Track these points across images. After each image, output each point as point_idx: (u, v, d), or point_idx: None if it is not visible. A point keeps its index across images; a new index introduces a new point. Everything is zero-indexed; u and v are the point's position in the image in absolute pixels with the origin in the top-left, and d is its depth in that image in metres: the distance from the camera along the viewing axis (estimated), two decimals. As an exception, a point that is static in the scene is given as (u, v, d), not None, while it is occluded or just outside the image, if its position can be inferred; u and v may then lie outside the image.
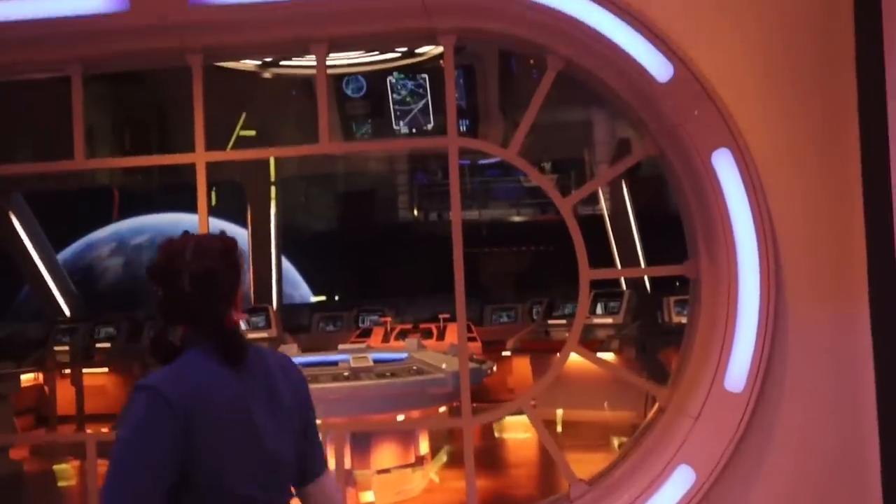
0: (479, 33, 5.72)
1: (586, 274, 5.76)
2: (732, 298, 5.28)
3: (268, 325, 11.46)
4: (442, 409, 8.03)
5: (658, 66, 5.20)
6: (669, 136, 5.39)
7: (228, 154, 6.50)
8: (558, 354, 10.18)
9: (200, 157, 6.00)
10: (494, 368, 8.51)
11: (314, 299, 18.63)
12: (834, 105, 5.19)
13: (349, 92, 10.75)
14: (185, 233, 2.73)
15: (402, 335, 10.92)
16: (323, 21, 5.63)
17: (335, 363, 8.23)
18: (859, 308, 5.13)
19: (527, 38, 5.56)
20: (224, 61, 6.07)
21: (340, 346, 9.21)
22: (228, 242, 2.72)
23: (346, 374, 7.54)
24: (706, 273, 5.51)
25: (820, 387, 5.21)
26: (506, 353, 11.26)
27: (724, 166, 5.18)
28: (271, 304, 12.93)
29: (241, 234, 15.83)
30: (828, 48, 5.19)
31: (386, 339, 10.95)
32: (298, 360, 8.81)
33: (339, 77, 10.55)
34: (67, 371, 11.35)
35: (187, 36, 5.76)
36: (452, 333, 11.51)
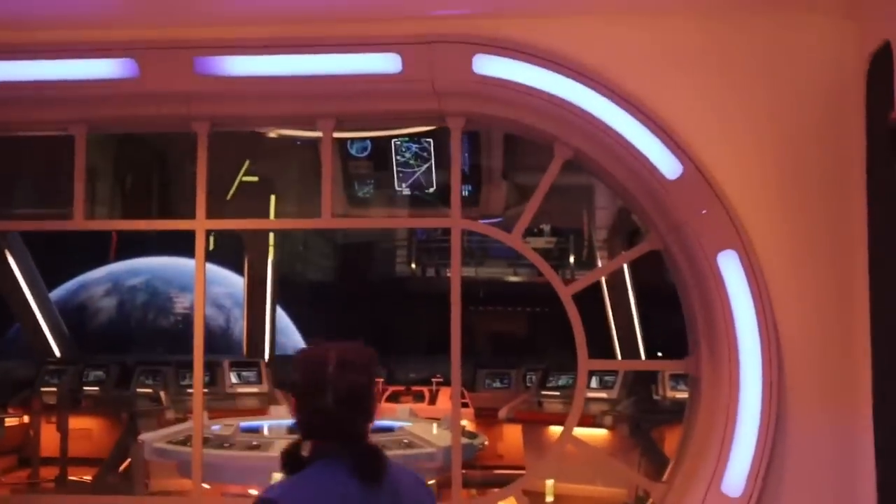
0: (488, 118, 5.69)
1: (585, 364, 5.69)
2: (733, 400, 5.20)
3: (259, 381, 11.34)
4: (431, 481, 7.92)
5: (667, 163, 5.16)
6: (675, 233, 5.34)
7: (229, 223, 6.44)
8: (550, 428, 10.12)
9: (201, 225, 5.95)
10: (486, 443, 8.40)
11: (306, 350, 18.49)
12: (842, 210, 5.14)
13: (353, 151, 10.72)
14: (321, 342, 2.63)
15: (394, 397, 10.82)
16: (330, 99, 5.60)
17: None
18: (863, 415, 5.04)
19: (535, 126, 5.54)
20: (230, 129, 6.02)
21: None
22: (370, 354, 2.63)
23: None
24: (707, 371, 5.43)
25: (819, 496, 5.12)
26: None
27: (730, 267, 5.13)
28: (263, 355, 12.79)
29: (238, 282, 15.75)
30: (838, 152, 5.16)
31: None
32: (289, 423, 8.71)
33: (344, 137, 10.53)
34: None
35: (194, 104, 5.74)
36: (445, 398, 11.40)
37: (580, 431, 5.81)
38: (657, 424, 9.86)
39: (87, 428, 11.74)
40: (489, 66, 5.28)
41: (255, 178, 13.51)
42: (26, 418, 11.49)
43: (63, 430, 10.73)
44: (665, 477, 5.83)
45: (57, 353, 13.29)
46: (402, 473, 2.67)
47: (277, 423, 8.80)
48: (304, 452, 2.56)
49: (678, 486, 5.47)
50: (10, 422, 10.98)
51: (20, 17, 5.45)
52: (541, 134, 5.62)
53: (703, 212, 5.15)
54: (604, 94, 5.16)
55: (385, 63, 5.34)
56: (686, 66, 5.24)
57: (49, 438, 10.88)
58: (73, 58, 5.56)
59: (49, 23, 5.48)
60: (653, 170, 5.18)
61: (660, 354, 12.66)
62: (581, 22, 5.27)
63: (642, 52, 5.27)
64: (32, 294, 13.11)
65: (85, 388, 12.04)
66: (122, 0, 5.10)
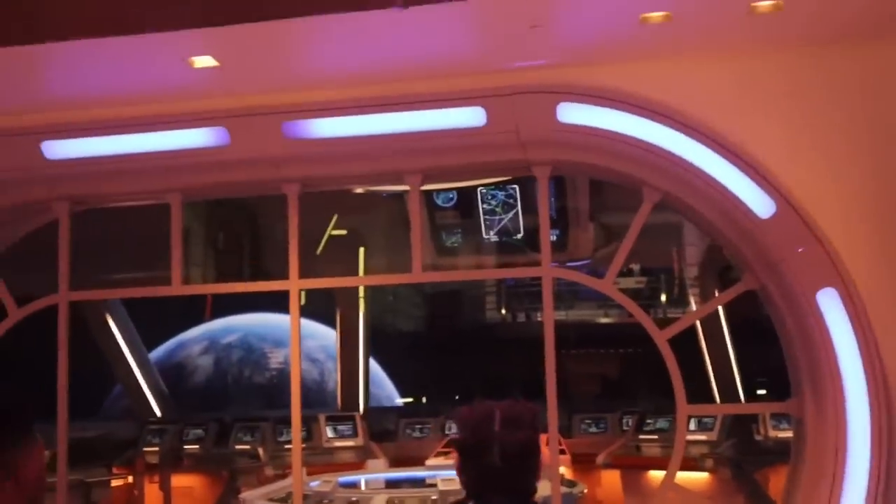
0: (574, 165, 5.70)
1: (684, 410, 5.60)
2: (841, 441, 5.04)
3: (354, 434, 11.39)
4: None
5: (759, 202, 5.08)
6: (771, 273, 5.24)
7: (322, 282, 6.52)
8: (650, 473, 9.93)
9: (294, 285, 6.05)
10: (585, 491, 8.28)
11: (400, 401, 18.57)
12: (945, 241, 4.99)
13: (439, 202, 10.79)
14: (482, 401, 2.62)
15: (490, 446, 10.75)
16: (417, 154, 5.67)
17: (423, 480, 8.12)
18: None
19: (622, 171, 5.51)
20: (320, 189, 6.13)
21: (428, 462, 9.07)
22: (534, 411, 2.64)
23: (433, 497, 7.41)
24: (812, 412, 5.29)
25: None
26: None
27: (831, 305, 5.00)
28: (358, 408, 12.85)
29: (330, 335, 15.90)
30: (937, 183, 5.01)
31: (473, 450, 10.79)
32: (386, 476, 8.74)
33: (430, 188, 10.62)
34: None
35: (284, 167, 5.86)
36: (542, 445, 11.28)
37: (680, 476, 5.69)
38: (760, 466, 9.59)
39: (188, 486, 11.91)
40: (573, 113, 5.28)
41: (344, 232, 13.68)
42: (130, 478, 11.72)
43: (166, 489, 10.91)
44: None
45: (157, 412, 13.56)
46: None
47: (375, 476, 8.83)
48: None
49: (789, 532, 5.31)
50: (116, 482, 11.21)
51: (116, 94, 5.64)
52: (628, 178, 5.59)
53: (800, 250, 5.05)
54: (691, 136, 5.11)
55: (470, 117, 5.39)
56: (773, 104, 5.17)
57: (152, 498, 11.08)
58: (168, 129, 5.75)
59: (143, 98, 5.67)
60: (745, 209, 5.10)
61: (760, 392, 12.37)
62: (663, 65, 5.24)
63: (727, 92, 5.22)
64: (133, 356, 13.43)
65: (185, 446, 12.24)
66: (212, 71, 5.23)
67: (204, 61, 5.10)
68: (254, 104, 5.60)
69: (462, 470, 2.57)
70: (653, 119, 5.21)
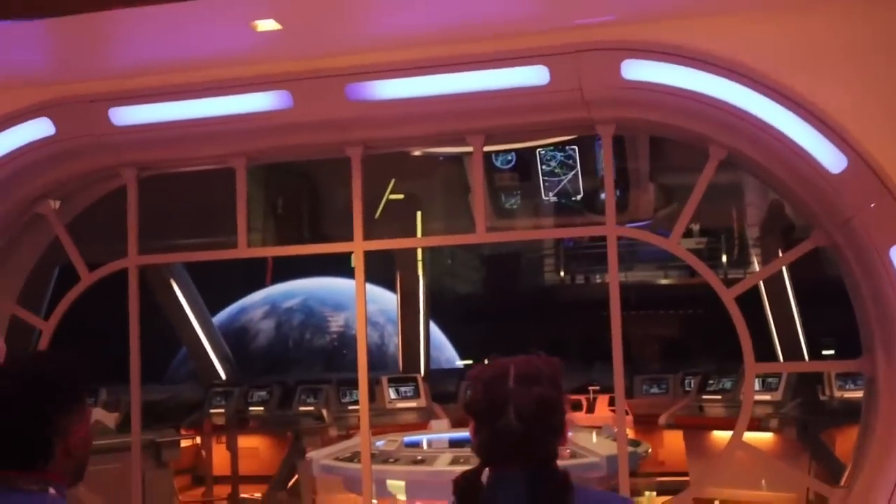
0: (638, 123, 5.64)
1: (752, 368, 5.56)
2: (914, 400, 4.98)
3: (416, 395, 11.47)
4: (596, 491, 7.84)
5: (830, 157, 4.99)
6: (842, 229, 5.15)
7: (386, 243, 6.58)
8: (713, 433, 9.88)
9: (359, 246, 6.09)
10: (650, 451, 8.26)
11: (460, 363, 18.66)
12: None
13: (498, 164, 10.77)
14: (496, 357, 2.34)
15: (551, 407, 10.76)
16: (480, 115, 5.65)
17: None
18: None
19: (688, 128, 5.45)
20: (382, 151, 6.14)
21: (491, 423, 9.10)
22: (555, 363, 2.32)
23: (498, 456, 7.44)
24: (884, 372, 5.21)
25: None
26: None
27: (904, 261, 4.91)
28: (419, 370, 12.95)
29: (389, 299, 16.01)
30: None
31: (535, 411, 10.81)
32: (449, 436, 8.80)
33: (489, 150, 10.60)
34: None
35: (347, 130, 5.88)
36: (603, 406, 11.28)
37: (745, 436, 5.65)
38: (826, 426, 9.48)
39: (253, 447, 12.12)
40: (638, 70, 5.22)
41: (401, 196, 13.70)
42: (198, 439, 11.96)
43: (232, 449, 11.12)
44: (843, 481, 5.62)
45: (222, 375, 13.80)
46: (598, 499, 2.38)
47: (439, 436, 8.89)
48: (483, 479, 2.26)
49: (859, 491, 5.26)
50: (185, 443, 11.44)
51: (180, 60, 5.71)
52: (693, 136, 5.52)
53: (872, 205, 4.95)
54: (759, 91, 5.03)
55: (533, 75, 5.36)
56: (843, 58, 5.06)
57: (219, 458, 11.30)
58: (232, 94, 5.79)
59: (207, 63, 5.72)
60: (815, 165, 5.01)
61: (826, 353, 12.21)
62: (730, 20, 5.16)
63: (796, 47, 5.12)
64: (197, 321, 13.66)
65: (250, 408, 12.45)
66: (275, 35, 5.26)
67: (267, 24, 5.13)
68: (317, 67, 5.62)
69: (475, 434, 2.29)
70: (720, 74, 5.13)
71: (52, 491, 2.21)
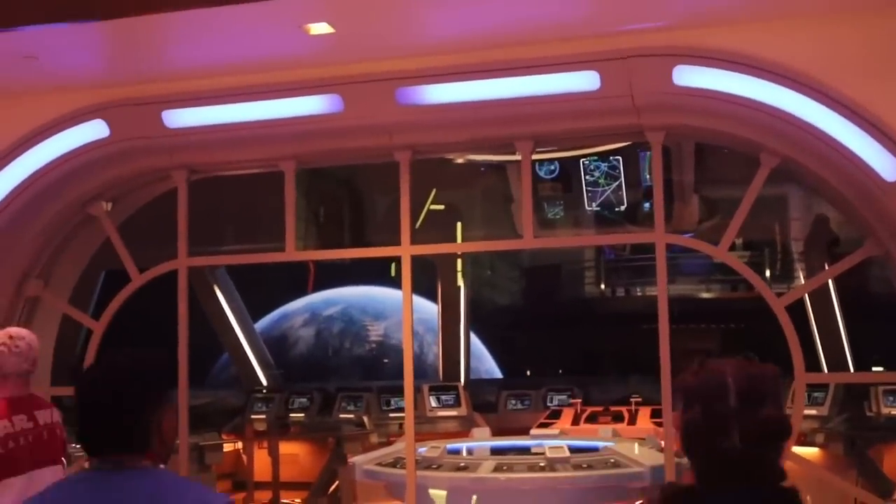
0: (689, 130, 5.62)
1: (802, 378, 5.51)
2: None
3: (457, 404, 11.46)
4: (638, 502, 7.78)
5: (885, 164, 4.94)
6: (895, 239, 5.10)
7: (433, 247, 6.60)
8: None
9: (406, 251, 6.11)
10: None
11: (499, 375, 18.62)
12: None
13: (541, 173, 10.74)
14: (706, 361, 2.18)
15: (592, 418, 10.69)
16: (529, 120, 5.65)
17: (528, 449, 8.13)
18: None
19: (739, 136, 5.41)
20: (430, 156, 6.16)
21: (532, 431, 9.08)
22: (774, 374, 2.17)
23: (541, 464, 7.41)
24: (937, 383, 5.14)
25: None
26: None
27: (960, 271, 4.84)
28: (459, 379, 12.94)
29: (429, 308, 16.02)
30: None
31: (576, 421, 10.74)
32: (491, 444, 8.78)
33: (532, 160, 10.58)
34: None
35: (396, 134, 5.91)
36: (644, 418, 11.17)
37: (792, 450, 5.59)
38: (873, 443, 9.34)
39: (294, 453, 12.17)
40: (690, 76, 5.20)
41: (442, 207, 13.72)
42: (239, 444, 12.03)
43: (274, 455, 11.17)
44: (894, 497, 5.54)
45: (263, 381, 13.87)
46: None
47: (481, 444, 8.87)
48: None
49: (911, 505, 5.19)
50: (226, 448, 11.51)
51: (232, 63, 5.76)
52: (745, 143, 5.49)
53: (928, 214, 4.90)
54: (813, 97, 4.99)
55: (583, 81, 5.36)
56: (899, 63, 5.00)
57: (260, 463, 11.36)
58: (283, 97, 5.85)
59: (259, 66, 5.78)
60: (870, 172, 4.96)
61: (876, 370, 12.04)
62: (782, 26, 5.13)
63: (850, 53, 5.07)
64: (240, 327, 13.75)
65: (291, 414, 12.51)
66: (327, 38, 5.29)
67: (320, 28, 5.17)
68: (367, 71, 5.66)
69: (691, 453, 2.13)
70: (772, 81, 5.10)
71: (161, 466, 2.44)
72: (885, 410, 10.07)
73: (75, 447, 5.10)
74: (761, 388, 2.10)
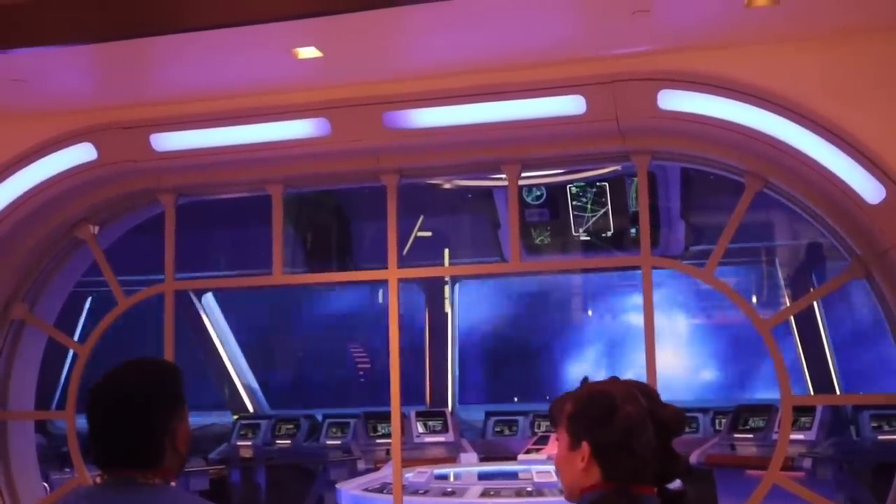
0: (674, 154, 5.65)
1: (788, 400, 5.52)
2: (954, 434, 4.91)
3: (445, 430, 11.44)
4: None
5: (868, 188, 4.98)
6: (880, 261, 5.13)
7: (420, 271, 6.63)
8: (745, 472, 9.76)
9: (393, 274, 6.12)
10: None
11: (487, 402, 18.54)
12: None
13: (529, 199, 10.79)
14: (600, 381, 2.37)
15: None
16: (515, 144, 5.69)
17: (516, 475, 8.12)
18: None
19: (724, 159, 5.46)
20: (418, 180, 6.19)
21: (521, 457, 9.07)
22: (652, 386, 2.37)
23: (529, 489, 7.41)
24: (922, 405, 5.16)
25: None
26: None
27: (943, 294, 4.88)
28: (446, 405, 12.92)
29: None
30: None
31: (563, 447, 10.74)
32: (479, 469, 8.77)
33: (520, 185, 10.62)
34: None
35: (383, 158, 5.94)
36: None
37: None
38: (861, 467, 9.36)
39: (281, 480, 12.12)
40: (674, 100, 5.25)
41: (429, 234, 13.76)
42: (225, 471, 11.97)
43: (260, 481, 11.13)
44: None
45: (249, 407, 13.84)
46: None
47: (468, 469, 8.87)
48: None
49: (898, 528, 5.19)
50: (212, 473, 11.46)
51: (221, 87, 5.78)
52: (729, 166, 5.54)
53: (911, 236, 4.93)
54: (796, 121, 5.03)
55: (569, 105, 5.39)
56: (881, 88, 5.04)
57: (246, 490, 11.31)
58: (271, 121, 5.86)
59: (248, 90, 5.80)
60: (853, 195, 5.00)
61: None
62: (767, 50, 5.17)
63: (832, 75, 5.11)
64: (225, 351, 13.74)
65: (277, 441, 12.46)
66: (315, 62, 5.32)
67: (308, 52, 5.20)
68: (355, 95, 5.68)
69: (602, 456, 2.26)
70: (756, 105, 5.13)
71: (172, 483, 2.44)
72: (870, 435, 10.10)
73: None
74: (651, 392, 2.33)
